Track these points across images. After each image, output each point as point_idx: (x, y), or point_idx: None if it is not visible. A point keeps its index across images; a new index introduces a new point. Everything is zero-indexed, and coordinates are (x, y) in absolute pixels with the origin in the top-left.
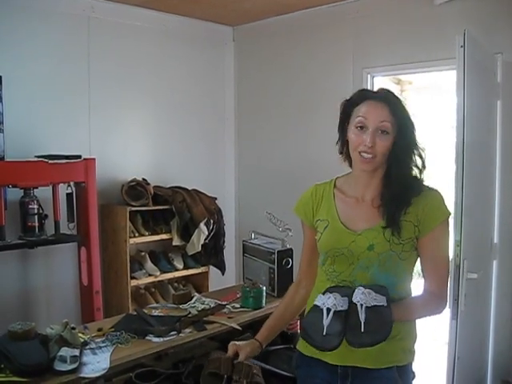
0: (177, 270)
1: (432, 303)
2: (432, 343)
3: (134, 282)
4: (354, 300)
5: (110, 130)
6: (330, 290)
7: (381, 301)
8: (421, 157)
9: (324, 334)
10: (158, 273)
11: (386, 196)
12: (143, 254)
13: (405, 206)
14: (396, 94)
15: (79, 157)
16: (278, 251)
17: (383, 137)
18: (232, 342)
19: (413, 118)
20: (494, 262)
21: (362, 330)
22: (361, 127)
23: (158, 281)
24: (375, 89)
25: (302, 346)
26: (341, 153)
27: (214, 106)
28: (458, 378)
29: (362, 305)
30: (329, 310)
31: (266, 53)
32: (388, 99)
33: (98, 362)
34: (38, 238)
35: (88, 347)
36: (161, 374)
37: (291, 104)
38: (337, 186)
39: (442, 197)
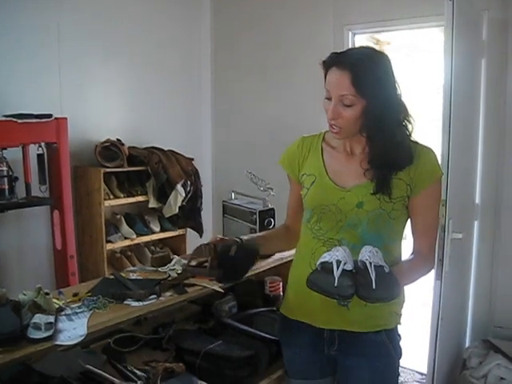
0: (153, 232)
1: (423, 265)
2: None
3: (109, 246)
4: (362, 258)
5: (81, 89)
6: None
7: (384, 263)
8: (404, 117)
9: (335, 285)
10: (134, 236)
11: (373, 161)
12: (118, 216)
13: (396, 171)
14: (367, 52)
15: (50, 116)
16: (259, 211)
17: (347, 109)
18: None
19: (390, 76)
20: (476, 223)
21: (374, 286)
22: (328, 98)
23: (135, 244)
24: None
25: (286, 309)
26: None
27: (190, 63)
28: (441, 337)
29: (370, 263)
30: (339, 262)
31: (243, 8)
32: (352, 65)
33: (74, 329)
34: (8, 202)
35: (63, 313)
36: (140, 339)
37: (270, 61)
38: (325, 140)
39: (435, 155)
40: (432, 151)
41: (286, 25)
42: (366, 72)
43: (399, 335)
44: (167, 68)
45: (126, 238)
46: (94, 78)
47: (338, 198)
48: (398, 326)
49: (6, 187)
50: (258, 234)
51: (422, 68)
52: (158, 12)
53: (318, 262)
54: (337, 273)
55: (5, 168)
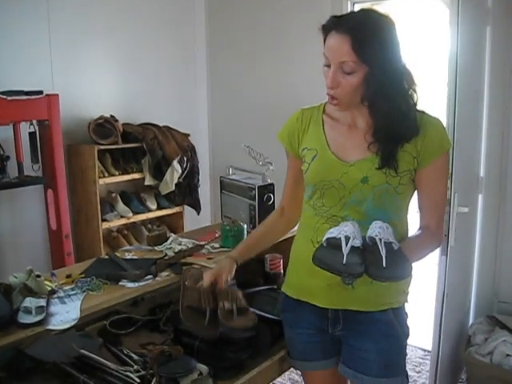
0: (150, 210)
1: (431, 241)
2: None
3: (105, 225)
4: (372, 234)
5: (74, 65)
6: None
7: (394, 240)
8: (409, 85)
9: (344, 263)
10: (131, 214)
11: (377, 133)
12: (114, 195)
13: (402, 143)
14: (370, 15)
15: (41, 92)
16: (258, 186)
17: (347, 77)
18: (207, 271)
19: (394, 41)
20: (480, 197)
21: (384, 264)
22: (327, 65)
23: (131, 222)
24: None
25: (288, 289)
26: None
27: (185, 37)
28: (446, 314)
29: (380, 239)
30: (347, 237)
31: None
32: (353, 29)
33: (67, 312)
34: None
35: (56, 296)
36: (137, 321)
37: (266, 31)
38: (326, 112)
39: (443, 127)
40: (440, 122)
41: None
42: (368, 36)
43: (406, 314)
44: (162, 43)
45: (122, 217)
46: (86, 53)
47: (341, 173)
48: (406, 304)
49: None
50: (251, 237)
51: (424, 41)
52: None
53: (324, 238)
54: (345, 249)
55: None
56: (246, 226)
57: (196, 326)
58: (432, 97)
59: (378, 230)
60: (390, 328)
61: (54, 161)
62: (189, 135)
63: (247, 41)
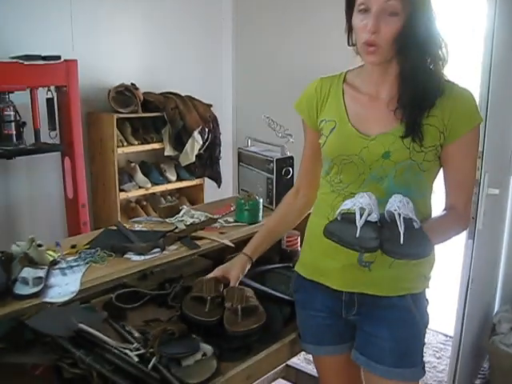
0: (169, 182)
1: (457, 223)
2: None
3: (123, 195)
4: (391, 208)
5: (95, 30)
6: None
7: (415, 217)
8: (441, 48)
9: (357, 236)
10: (149, 185)
11: (403, 97)
12: (133, 165)
13: (427, 108)
14: None
15: (58, 57)
16: (276, 159)
17: (390, 20)
18: (216, 269)
19: (431, 3)
20: (511, 178)
21: (402, 241)
22: (364, 10)
23: (150, 193)
24: None
25: (301, 268)
26: (350, 44)
27: (211, 6)
28: (470, 300)
29: (399, 214)
30: (362, 209)
31: None
32: None
33: (66, 284)
34: (15, 148)
35: (57, 267)
36: (145, 295)
37: (293, 2)
38: (347, 81)
39: (474, 99)
40: (470, 94)
41: None
42: None
43: (427, 300)
44: (187, 11)
45: (140, 187)
46: (108, 19)
47: (361, 147)
48: (426, 290)
49: (14, 133)
50: (265, 228)
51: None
52: None
53: (338, 210)
54: (359, 222)
55: (12, 112)
56: (261, 201)
57: (195, 313)
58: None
59: (397, 204)
60: (407, 315)
61: (72, 128)
62: (211, 106)
63: (274, 12)
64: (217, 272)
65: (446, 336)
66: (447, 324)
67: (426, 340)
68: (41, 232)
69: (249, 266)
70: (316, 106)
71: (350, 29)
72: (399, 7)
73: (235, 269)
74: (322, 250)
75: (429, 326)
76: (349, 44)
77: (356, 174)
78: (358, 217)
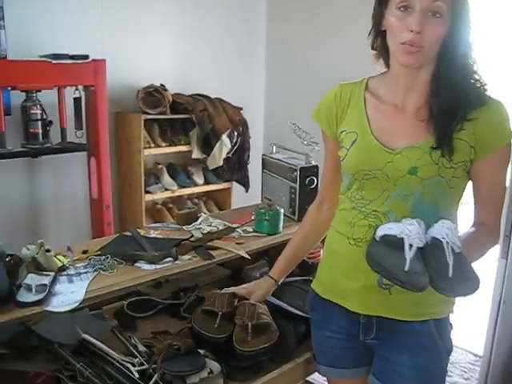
0: (196, 185)
1: (488, 239)
2: None
3: (149, 197)
4: (437, 235)
5: (125, 30)
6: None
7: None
8: (477, 58)
9: (406, 269)
10: (176, 187)
11: (435, 106)
12: (160, 166)
13: (461, 120)
14: None
15: (87, 57)
16: (300, 168)
17: (435, 21)
18: (241, 287)
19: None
20: None
21: (450, 274)
22: (404, 7)
23: (176, 196)
24: None
25: (318, 286)
26: (373, 48)
27: (243, 8)
28: (501, 321)
29: (447, 242)
30: (411, 240)
31: None
32: None
33: (71, 293)
34: (41, 146)
35: (65, 273)
36: (157, 303)
37: (327, 7)
38: (369, 89)
39: (507, 112)
40: (503, 106)
41: None
42: None
43: (451, 325)
44: (219, 11)
45: (166, 190)
46: (138, 19)
47: (385, 161)
48: (450, 315)
49: (40, 131)
50: (290, 247)
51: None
52: None
53: (379, 232)
54: (409, 254)
55: (38, 111)
56: (282, 211)
57: (204, 328)
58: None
59: (445, 231)
60: (430, 341)
61: (99, 128)
62: (241, 109)
63: (307, 18)
64: (239, 291)
65: (476, 356)
66: (477, 342)
67: (453, 359)
68: (65, 231)
69: (273, 289)
70: (336, 116)
71: (375, 30)
72: (444, 8)
73: (259, 292)
74: (340, 269)
75: (457, 344)
76: (373, 47)
77: (379, 190)
78: (407, 248)
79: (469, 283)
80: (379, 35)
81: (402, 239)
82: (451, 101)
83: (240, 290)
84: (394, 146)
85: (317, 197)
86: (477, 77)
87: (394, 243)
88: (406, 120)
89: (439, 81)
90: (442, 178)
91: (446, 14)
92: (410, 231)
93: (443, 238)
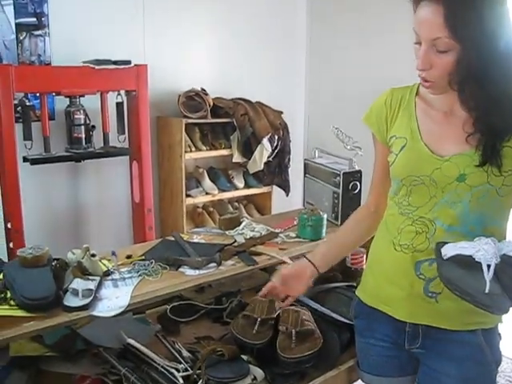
0: (237, 189)
1: None
2: None
3: (190, 201)
4: (510, 253)
5: (166, 35)
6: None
7: None
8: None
9: (486, 291)
10: (216, 191)
11: (479, 123)
12: (201, 170)
13: (506, 136)
14: None
15: (129, 62)
16: (343, 173)
17: (440, 55)
18: (279, 273)
19: (498, 15)
20: None
21: None
22: (418, 43)
23: (217, 200)
24: None
25: (362, 293)
26: None
27: (285, 15)
28: None
29: None
30: (489, 260)
31: None
32: None
33: (116, 298)
34: (84, 151)
35: (110, 278)
36: (200, 308)
37: (370, 14)
38: (420, 94)
39: None
40: None
41: None
42: (464, 8)
43: (499, 335)
44: (260, 16)
45: (207, 193)
46: (179, 24)
47: (434, 168)
48: (499, 325)
49: (83, 136)
50: (335, 237)
51: None
52: None
53: (448, 251)
54: (488, 275)
55: (82, 116)
56: (325, 216)
57: (243, 334)
58: None
59: None
60: (478, 352)
61: (140, 132)
62: (282, 113)
63: (350, 20)
64: (281, 276)
65: None
66: None
67: (500, 368)
68: (107, 234)
69: (314, 278)
70: (386, 120)
71: None
72: (449, 44)
73: (303, 279)
74: (385, 276)
75: (505, 354)
76: None
77: (427, 196)
78: (485, 269)
79: None
80: None
81: (478, 259)
82: (492, 118)
83: (280, 274)
84: (442, 153)
85: (366, 199)
86: None
87: (467, 263)
88: (455, 127)
89: (473, 99)
90: (491, 185)
91: (452, 47)
92: (486, 251)
93: None
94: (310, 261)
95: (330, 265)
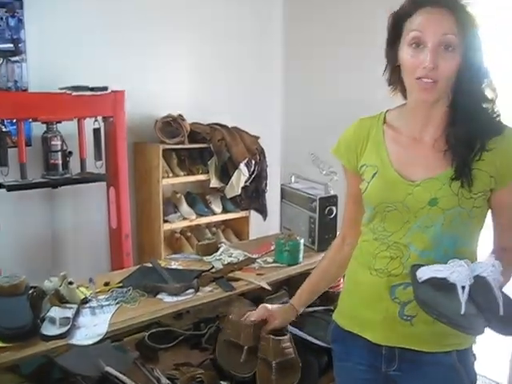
0: (214, 213)
1: (509, 263)
2: None
3: (167, 226)
4: (483, 273)
5: (143, 61)
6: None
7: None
8: (492, 85)
9: (462, 313)
10: (194, 216)
11: (453, 137)
12: (179, 195)
13: (480, 150)
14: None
15: (106, 88)
16: (320, 198)
17: (448, 54)
18: (262, 305)
19: (482, 35)
20: None
21: (502, 312)
22: (416, 44)
23: (195, 225)
24: None
25: (339, 317)
26: (390, 84)
27: (260, 39)
28: None
29: (494, 279)
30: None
31: None
32: (453, 4)
33: (94, 326)
34: (61, 177)
35: (88, 306)
36: (179, 334)
37: (342, 42)
38: (387, 122)
39: None
40: None
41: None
42: (468, 15)
43: (474, 356)
44: (234, 43)
45: (184, 219)
46: (156, 51)
47: (406, 193)
48: (473, 346)
49: (60, 162)
50: (312, 277)
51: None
52: None
53: (422, 274)
54: (463, 297)
55: (59, 142)
56: (302, 241)
57: (230, 363)
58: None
59: (490, 268)
60: (453, 373)
61: (117, 158)
62: (259, 138)
63: (324, 47)
64: (260, 312)
65: None
66: (499, 371)
67: None
68: (84, 261)
69: (293, 319)
70: (355, 150)
71: (391, 65)
72: (456, 41)
73: (279, 317)
74: (361, 300)
75: (480, 372)
76: (389, 83)
77: (400, 222)
78: (460, 291)
79: None
80: (395, 70)
81: (453, 281)
82: (469, 131)
83: (260, 311)
84: (413, 178)
85: (339, 232)
86: (493, 106)
87: (442, 285)
88: (424, 152)
89: (456, 112)
90: (462, 208)
91: (457, 46)
92: (460, 273)
93: (489, 276)
94: (294, 307)
95: (308, 303)
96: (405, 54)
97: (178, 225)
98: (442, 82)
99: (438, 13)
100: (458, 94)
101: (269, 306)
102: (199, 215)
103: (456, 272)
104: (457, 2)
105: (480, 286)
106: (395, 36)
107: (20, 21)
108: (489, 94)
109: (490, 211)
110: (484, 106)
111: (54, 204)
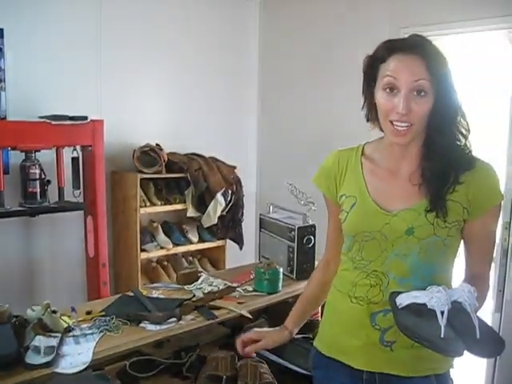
0: (191, 243)
1: (485, 289)
2: None
3: (144, 255)
4: (460, 299)
5: (122, 91)
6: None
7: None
8: (464, 122)
9: (442, 336)
10: (171, 245)
11: (428, 171)
12: (155, 224)
13: (453, 183)
14: (432, 42)
15: (85, 118)
16: (298, 227)
17: (420, 99)
18: (255, 329)
19: (453, 74)
20: None
21: (478, 336)
22: (390, 89)
23: (172, 254)
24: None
25: (320, 344)
26: (368, 120)
27: (236, 70)
28: (498, 379)
29: (470, 305)
30: (442, 307)
31: (292, 13)
32: (423, 50)
33: (78, 354)
34: (39, 206)
35: (71, 334)
36: (160, 363)
37: (319, 69)
38: (365, 154)
39: (496, 175)
40: (493, 169)
41: (338, 29)
42: (439, 59)
43: (451, 380)
44: (210, 72)
45: (161, 248)
46: (134, 81)
47: (383, 223)
48: (451, 370)
49: (38, 190)
50: (300, 301)
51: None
52: (201, 14)
53: (402, 300)
54: (442, 321)
55: (37, 171)
56: (282, 270)
57: None
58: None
59: (466, 294)
60: None
61: (96, 187)
62: (235, 167)
63: (299, 77)
64: (253, 335)
65: None
66: None
67: None
68: (61, 290)
69: (287, 340)
70: (335, 180)
71: (368, 104)
72: (428, 85)
73: (273, 336)
74: (342, 327)
75: None
76: (368, 119)
77: (378, 250)
78: (439, 316)
79: (496, 343)
80: (372, 108)
81: (432, 306)
82: (442, 166)
83: (252, 334)
84: (390, 209)
85: (323, 255)
86: (465, 142)
87: (421, 310)
88: (400, 184)
89: (430, 149)
90: (437, 237)
91: (429, 90)
92: (438, 298)
93: (465, 301)
94: (285, 327)
95: (300, 325)
96: (379, 97)
97: (155, 254)
98: (416, 125)
99: (409, 59)
100: (432, 132)
101: (259, 330)
102: (176, 244)
103: (435, 298)
104: (427, 47)
105: (457, 311)
106: (371, 77)
107: (0, 50)
108: (462, 130)
109: (462, 241)
110: (457, 141)
111: (31, 232)
